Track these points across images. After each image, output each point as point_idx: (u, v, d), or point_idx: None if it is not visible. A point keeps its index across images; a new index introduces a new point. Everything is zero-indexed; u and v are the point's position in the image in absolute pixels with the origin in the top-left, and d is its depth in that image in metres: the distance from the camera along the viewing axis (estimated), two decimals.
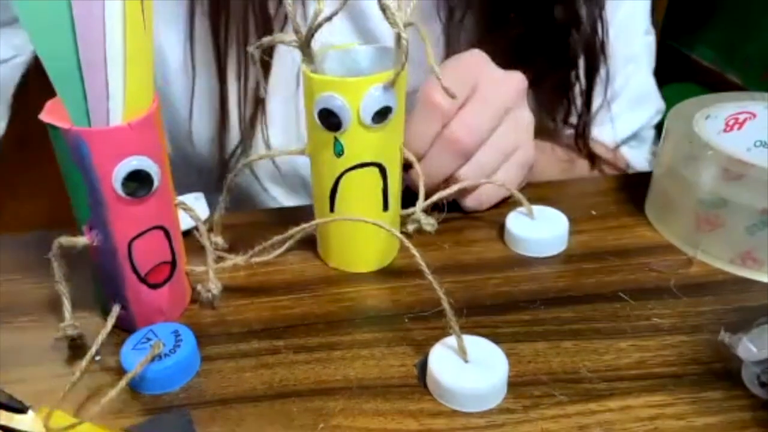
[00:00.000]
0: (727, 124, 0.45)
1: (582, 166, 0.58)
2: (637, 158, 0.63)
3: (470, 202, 0.45)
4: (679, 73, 2.20)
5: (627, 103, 0.60)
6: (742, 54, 2.09)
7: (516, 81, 0.44)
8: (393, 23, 0.33)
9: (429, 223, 0.41)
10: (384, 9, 0.33)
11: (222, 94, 0.52)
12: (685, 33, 2.30)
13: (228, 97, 0.52)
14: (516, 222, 0.43)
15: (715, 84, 2.05)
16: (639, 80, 0.61)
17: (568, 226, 0.43)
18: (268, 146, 0.53)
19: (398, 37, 0.34)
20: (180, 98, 0.54)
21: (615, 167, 0.59)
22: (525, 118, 0.45)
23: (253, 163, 0.55)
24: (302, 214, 0.40)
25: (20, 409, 0.30)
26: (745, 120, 0.45)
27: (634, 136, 0.62)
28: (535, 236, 0.42)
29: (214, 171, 0.56)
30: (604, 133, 0.59)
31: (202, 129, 0.55)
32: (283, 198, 0.58)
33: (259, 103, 0.52)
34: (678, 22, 2.25)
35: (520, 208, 0.44)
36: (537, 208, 0.43)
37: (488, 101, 0.42)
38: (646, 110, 0.62)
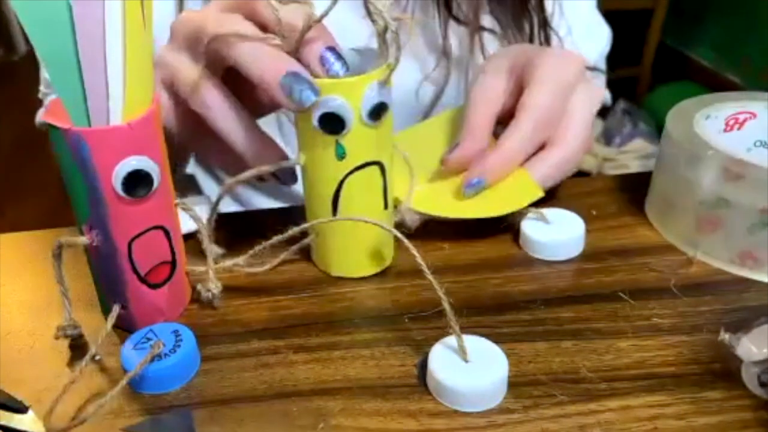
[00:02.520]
0: (727, 124, 0.45)
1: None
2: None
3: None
4: (678, 73, 2.21)
5: (580, 36, 0.63)
6: (742, 53, 2.09)
7: (599, 93, 0.47)
8: (380, 18, 0.33)
9: (412, 219, 0.41)
10: (368, 5, 0.33)
11: None
12: (684, 33, 2.30)
13: None
14: (531, 226, 0.42)
15: (714, 84, 2.05)
16: (585, 12, 0.64)
17: (584, 228, 0.42)
18: None
19: (385, 31, 0.33)
20: None
21: None
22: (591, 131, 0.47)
23: None
24: (302, 214, 0.40)
25: (20, 409, 0.30)
26: (745, 120, 0.45)
27: (592, 69, 0.64)
28: (550, 239, 0.41)
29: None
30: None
31: None
32: None
33: None
34: (677, 22, 2.26)
35: (534, 212, 0.43)
36: (551, 211, 0.43)
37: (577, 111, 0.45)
38: (598, 40, 0.65)
